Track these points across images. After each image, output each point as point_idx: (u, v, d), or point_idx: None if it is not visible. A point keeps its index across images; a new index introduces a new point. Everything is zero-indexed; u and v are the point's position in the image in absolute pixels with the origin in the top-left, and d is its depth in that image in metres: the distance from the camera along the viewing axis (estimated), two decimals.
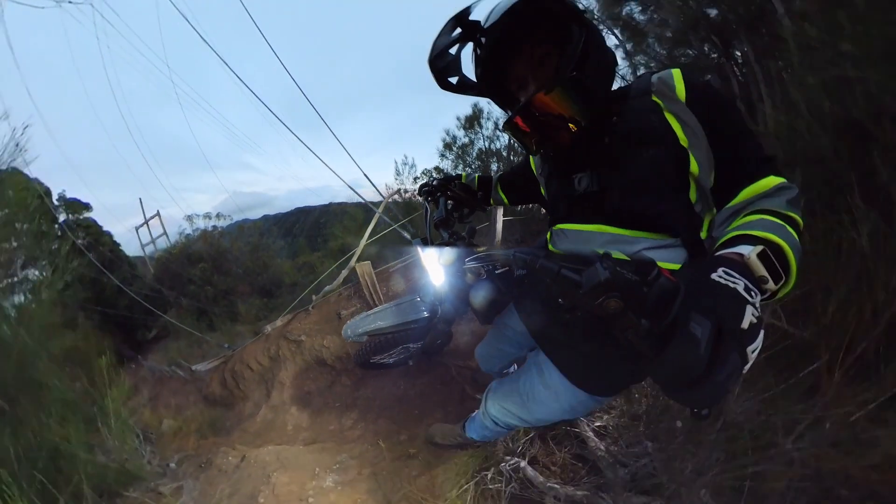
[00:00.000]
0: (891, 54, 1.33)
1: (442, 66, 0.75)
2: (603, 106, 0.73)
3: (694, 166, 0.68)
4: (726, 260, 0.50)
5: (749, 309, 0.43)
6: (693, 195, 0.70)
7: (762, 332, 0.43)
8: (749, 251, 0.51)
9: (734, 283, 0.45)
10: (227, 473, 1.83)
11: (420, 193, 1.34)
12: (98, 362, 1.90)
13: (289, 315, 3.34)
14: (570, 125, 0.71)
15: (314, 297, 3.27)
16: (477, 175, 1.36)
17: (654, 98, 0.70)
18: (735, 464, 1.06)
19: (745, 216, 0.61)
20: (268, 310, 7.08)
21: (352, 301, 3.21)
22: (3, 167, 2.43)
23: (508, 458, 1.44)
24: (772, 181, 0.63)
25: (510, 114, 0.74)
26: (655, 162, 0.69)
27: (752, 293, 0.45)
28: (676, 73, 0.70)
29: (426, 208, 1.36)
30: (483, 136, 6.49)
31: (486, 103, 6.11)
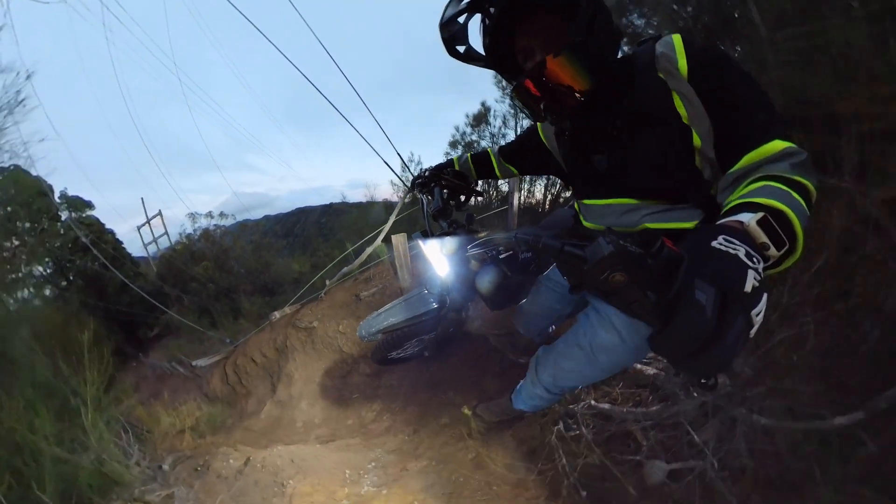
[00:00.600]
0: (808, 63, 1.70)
1: (451, 34, 0.77)
2: (609, 74, 0.75)
3: (696, 140, 0.71)
4: (727, 228, 0.50)
5: (751, 273, 0.43)
6: (699, 164, 0.73)
7: (766, 296, 0.43)
8: (749, 218, 0.51)
9: (735, 249, 0.45)
10: (228, 480, 1.55)
11: (413, 187, 1.34)
12: (79, 339, 1.62)
13: (296, 305, 3.07)
14: (577, 92, 0.73)
15: (327, 283, 3.00)
16: (469, 154, 1.33)
17: (660, 75, 0.71)
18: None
19: (748, 184, 0.60)
20: (270, 308, 6.84)
21: (372, 283, 2.97)
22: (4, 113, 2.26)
23: (573, 406, 1.42)
24: (777, 146, 0.61)
25: (517, 82, 0.77)
26: (662, 142, 0.73)
27: (754, 259, 0.45)
28: (678, 43, 0.70)
29: (422, 201, 1.36)
30: (489, 133, 6.35)
31: (493, 101, 6.07)
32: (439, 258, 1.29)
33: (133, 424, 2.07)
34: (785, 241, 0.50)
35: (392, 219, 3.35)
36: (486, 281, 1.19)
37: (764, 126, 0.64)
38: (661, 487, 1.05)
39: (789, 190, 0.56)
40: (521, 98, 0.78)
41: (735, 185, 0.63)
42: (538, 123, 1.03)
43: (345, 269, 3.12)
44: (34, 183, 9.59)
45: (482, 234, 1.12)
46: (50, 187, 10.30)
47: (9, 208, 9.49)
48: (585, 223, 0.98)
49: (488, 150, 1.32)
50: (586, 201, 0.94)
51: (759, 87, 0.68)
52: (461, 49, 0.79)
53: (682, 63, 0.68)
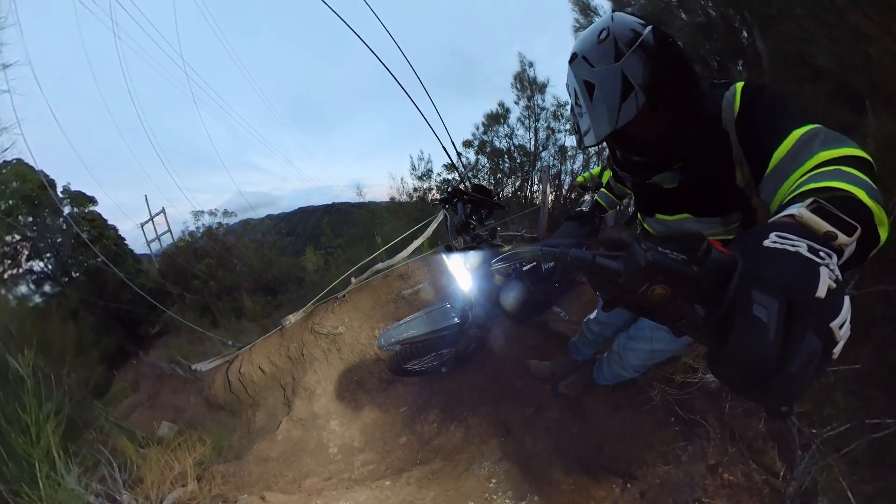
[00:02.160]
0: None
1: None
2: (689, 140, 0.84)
3: (739, 173, 0.81)
4: (777, 224, 0.41)
5: (824, 272, 0.33)
6: (739, 180, 0.82)
7: (847, 300, 0.33)
8: (797, 208, 0.42)
9: (794, 245, 0.36)
10: None
11: (438, 202, 1.43)
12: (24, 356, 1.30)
13: (311, 307, 2.79)
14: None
15: (353, 280, 2.76)
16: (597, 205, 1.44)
17: (725, 128, 0.76)
18: None
19: (791, 186, 0.55)
20: (272, 307, 6.74)
21: (410, 280, 2.66)
22: None
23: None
24: (795, 135, 0.60)
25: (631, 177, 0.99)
26: (717, 179, 0.83)
27: (822, 254, 0.36)
28: (737, 96, 0.74)
29: (446, 216, 1.44)
30: (503, 133, 6.23)
31: (512, 103, 5.97)
32: (463, 272, 1.29)
33: (122, 456, 1.68)
34: (853, 224, 0.40)
35: (440, 215, 3.14)
36: (510, 296, 1.24)
37: (782, 126, 0.64)
38: (720, 390, 1.42)
39: (837, 167, 0.50)
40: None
41: (774, 188, 0.61)
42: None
43: (379, 265, 2.81)
44: (36, 177, 9.52)
45: (506, 248, 1.12)
46: (52, 182, 10.23)
47: (10, 202, 9.44)
48: (651, 231, 1.08)
49: (597, 198, 1.44)
50: (655, 216, 1.05)
51: (786, 99, 0.69)
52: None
53: (736, 112, 0.74)
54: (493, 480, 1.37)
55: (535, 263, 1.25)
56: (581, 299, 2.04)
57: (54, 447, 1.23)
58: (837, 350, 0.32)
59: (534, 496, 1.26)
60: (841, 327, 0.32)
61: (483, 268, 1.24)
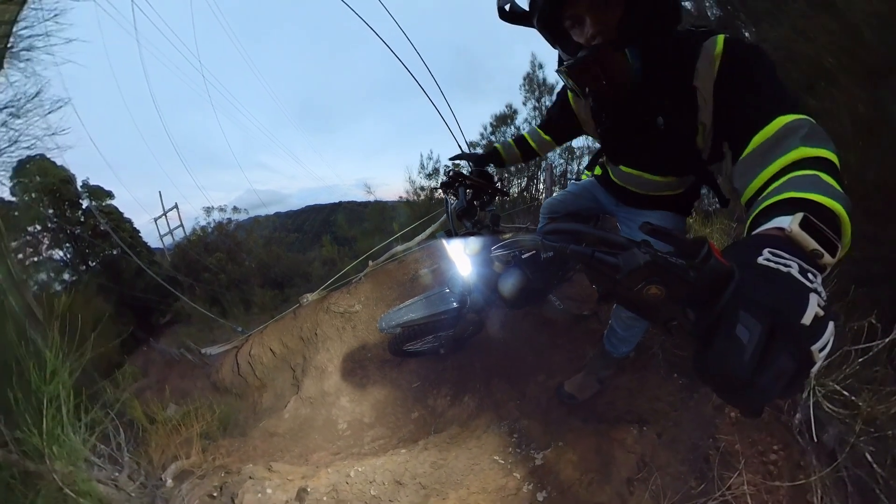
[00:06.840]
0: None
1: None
2: (658, 70, 0.75)
3: (700, 136, 0.77)
4: (768, 238, 0.41)
5: (813, 298, 0.34)
6: (700, 143, 0.79)
7: (832, 325, 0.34)
8: (788, 223, 0.41)
9: (787, 265, 0.37)
10: None
11: (440, 187, 1.42)
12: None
13: (329, 287, 2.83)
14: (624, 82, 0.77)
15: (371, 263, 2.81)
16: (511, 139, 1.41)
17: (695, 83, 0.71)
18: None
19: (769, 182, 0.53)
20: (279, 300, 6.87)
21: (424, 262, 2.70)
22: None
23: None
24: (780, 122, 0.57)
25: (568, 59, 0.75)
26: (680, 135, 0.79)
27: (810, 276, 0.36)
28: (719, 52, 0.67)
29: (447, 201, 1.42)
30: (510, 134, 6.30)
31: (520, 104, 6.11)
32: (462, 258, 1.29)
33: (126, 420, 1.68)
34: (835, 242, 0.40)
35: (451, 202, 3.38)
36: (508, 283, 1.24)
37: (768, 108, 0.59)
38: None
39: (815, 172, 0.49)
40: (569, 76, 0.78)
41: (749, 174, 0.57)
42: (569, 92, 1.05)
43: (398, 248, 2.92)
44: (58, 171, 9.90)
45: (507, 235, 1.12)
46: (73, 176, 10.62)
47: (33, 195, 9.83)
48: (613, 178, 1.12)
49: (524, 134, 1.39)
50: (619, 167, 1.05)
51: (775, 76, 0.64)
52: (507, 7, 0.79)
53: (715, 72, 0.68)
54: (515, 435, 1.39)
55: (534, 252, 1.24)
56: (577, 288, 2.07)
57: (65, 391, 1.21)
58: (815, 370, 0.33)
59: (558, 442, 1.30)
60: (822, 350, 0.33)
61: (483, 254, 1.24)
